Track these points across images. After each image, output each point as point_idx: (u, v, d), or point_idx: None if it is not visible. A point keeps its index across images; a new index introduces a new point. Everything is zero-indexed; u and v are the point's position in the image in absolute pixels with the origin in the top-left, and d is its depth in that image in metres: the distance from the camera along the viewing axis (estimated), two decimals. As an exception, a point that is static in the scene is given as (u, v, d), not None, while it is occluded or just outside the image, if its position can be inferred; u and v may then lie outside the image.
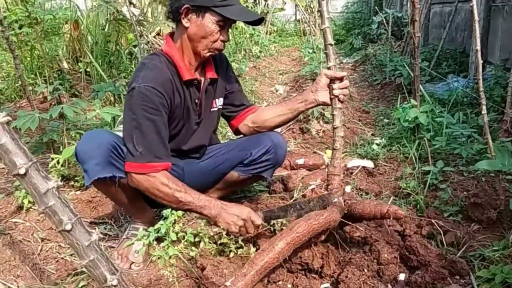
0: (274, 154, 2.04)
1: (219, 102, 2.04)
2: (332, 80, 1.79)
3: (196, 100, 1.92)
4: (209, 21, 1.74)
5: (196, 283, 1.70)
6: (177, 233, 1.18)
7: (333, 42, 1.76)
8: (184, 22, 1.77)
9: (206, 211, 1.74)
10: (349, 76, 6.07)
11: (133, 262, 1.85)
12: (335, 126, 1.80)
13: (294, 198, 2.31)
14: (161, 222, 1.17)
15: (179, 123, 1.91)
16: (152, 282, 1.71)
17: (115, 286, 0.88)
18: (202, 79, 1.94)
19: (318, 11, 1.74)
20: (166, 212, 1.20)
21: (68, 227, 0.83)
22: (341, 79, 1.79)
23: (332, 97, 1.81)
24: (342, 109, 3.77)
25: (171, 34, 1.89)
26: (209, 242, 1.76)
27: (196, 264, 1.76)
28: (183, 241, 1.22)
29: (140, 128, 1.70)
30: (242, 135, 2.17)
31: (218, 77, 1.99)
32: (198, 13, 1.74)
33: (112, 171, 1.72)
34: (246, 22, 1.88)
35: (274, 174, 2.55)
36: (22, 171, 0.81)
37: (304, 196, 2.34)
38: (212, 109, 2.02)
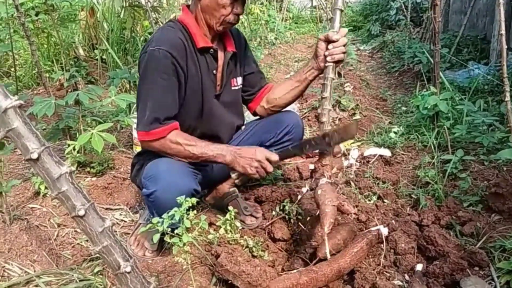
0: (295, 134, 2.04)
1: (239, 81, 2.00)
2: (329, 43, 1.73)
3: (214, 71, 1.87)
4: None
5: (210, 270, 1.70)
6: (191, 221, 1.17)
7: (342, 8, 1.68)
8: None
9: (221, 159, 1.74)
10: (366, 63, 5.98)
11: (147, 249, 1.86)
12: (323, 96, 1.72)
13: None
14: (175, 208, 1.16)
15: (197, 96, 1.85)
16: (167, 269, 1.71)
17: (128, 272, 0.87)
18: (221, 52, 1.90)
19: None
20: (179, 199, 1.19)
21: (81, 212, 0.82)
22: (335, 41, 1.71)
23: (325, 61, 1.73)
24: (359, 97, 3.74)
25: (188, 5, 1.86)
26: (226, 231, 1.75)
27: (210, 251, 1.76)
28: (197, 228, 1.21)
29: (148, 92, 1.71)
30: (259, 117, 2.14)
31: (237, 53, 1.95)
32: None
33: None
34: None
35: (289, 162, 2.54)
36: (34, 156, 0.80)
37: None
38: (232, 88, 1.98)
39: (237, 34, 2.00)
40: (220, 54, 1.89)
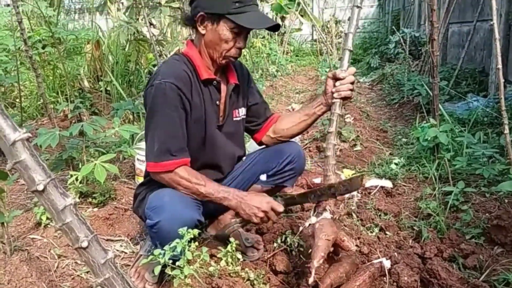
0: (297, 163, 2.06)
1: (241, 112, 2.02)
2: (336, 80, 1.77)
3: (217, 102, 1.90)
4: (224, 29, 1.74)
5: (211, 303, 1.68)
6: (192, 252, 1.17)
7: (351, 49, 1.73)
8: (200, 29, 1.79)
9: (226, 203, 1.75)
10: (366, 95, 6.05)
11: (147, 281, 1.84)
12: (329, 131, 1.74)
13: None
14: (177, 240, 1.16)
15: (200, 127, 1.87)
16: (167, 302, 1.69)
17: (129, 305, 0.87)
18: (223, 84, 1.93)
19: (348, 18, 1.72)
20: (181, 231, 1.19)
21: (85, 244, 0.83)
22: (343, 79, 1.75)
23: (333, 97, 1.77)
24: (359, 128, 3.77)
25: (192, 40, 1.91)
26: (227, 263, 1.74)
27: (211, 284, 1.74)
28: (198, 260, 1.21)
29: (157, 124, 1.72)
30: (265, 145, 2.17)
31: (240, 85, 1.98)
32: (213, 21, 1.75)
33: None
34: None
35: (290, 193, 2.54)
36: (40, 188, 0.82)
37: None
38: (234, 118, 2.00)
39: (240, 67, 2.04)
40: (223, 86, 1.92)
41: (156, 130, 1.73)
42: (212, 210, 2.01)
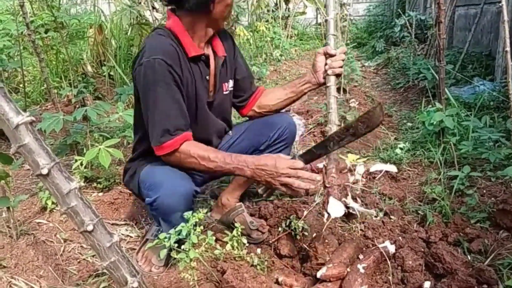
0: (289, 135, 2.04)
1: (230, 84, 1.97)
2: (327, 57, 1.76)
3: (207, 77, 1.85)
4: None
5: (216, 286, 1.68)
6: (198, 236, 1.17)
7: (335, 33, 1.74)
8: (212, 7, 1.70)
9: (240, 173, 1.66)
10: (371, 79, 6.00)
11: (154, 264, 1.86)
12: (329, 111, 1.72)
13: (315, 202, 2.28)
14: (182, 224, 1.16)
15: (191, 104, 1.82)
16: (172, 285, 1.70)
17: (135, 288, 0.87)
18: (212, 56, 1.86)
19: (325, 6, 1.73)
20: (187, 214, 1.19)
21: (90, 228, 0.83)
22: (334, 55, 1.75)
23: (325, 75, 1.77)
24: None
25: (172, 10, 1.80)
26: (233, 247, 1.74)
27: (216, 267, 1.75)
28: (203, 243, 1.21)
29: (152, 106, 1.67)
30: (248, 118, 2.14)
31: (227, 57, 1.92)
32: None
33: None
34: None
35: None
36: (44, 171, 0.81)
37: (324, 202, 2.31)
38: (224, 92, 1.95)
39: (224, 36, 1.95)
40: (212, 60, 1.86)
41: (152, 112, 1.68)
42: (207, 179, 2.01)
